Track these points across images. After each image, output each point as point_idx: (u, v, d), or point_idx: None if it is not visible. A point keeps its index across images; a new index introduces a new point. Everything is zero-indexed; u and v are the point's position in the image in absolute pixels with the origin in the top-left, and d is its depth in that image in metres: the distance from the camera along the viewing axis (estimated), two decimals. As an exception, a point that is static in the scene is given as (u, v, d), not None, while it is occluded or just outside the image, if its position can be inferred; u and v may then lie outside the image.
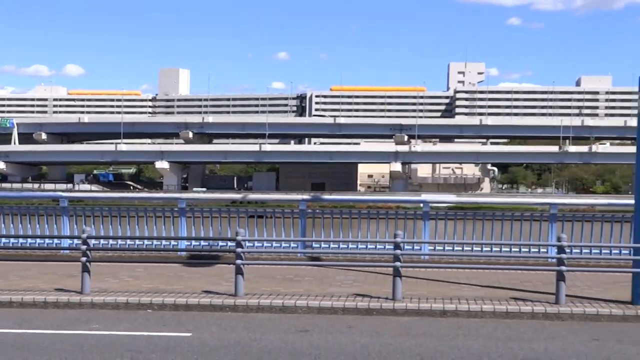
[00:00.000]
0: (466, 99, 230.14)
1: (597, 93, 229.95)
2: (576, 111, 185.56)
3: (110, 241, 18.68)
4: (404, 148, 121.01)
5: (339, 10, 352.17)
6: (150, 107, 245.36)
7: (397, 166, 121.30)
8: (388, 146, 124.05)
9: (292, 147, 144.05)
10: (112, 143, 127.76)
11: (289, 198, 23.15)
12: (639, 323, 12.77)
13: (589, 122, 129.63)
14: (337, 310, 13.26)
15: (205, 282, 15.42)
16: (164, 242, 19.24)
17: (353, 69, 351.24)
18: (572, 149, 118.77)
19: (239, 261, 14.03)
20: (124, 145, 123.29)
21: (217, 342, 11.10)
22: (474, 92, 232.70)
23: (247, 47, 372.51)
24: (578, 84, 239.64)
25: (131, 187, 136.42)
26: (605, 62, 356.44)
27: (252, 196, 30.24)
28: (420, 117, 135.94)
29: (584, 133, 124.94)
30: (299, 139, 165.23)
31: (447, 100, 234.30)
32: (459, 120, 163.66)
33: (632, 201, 14.33)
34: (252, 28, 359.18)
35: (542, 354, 10.59)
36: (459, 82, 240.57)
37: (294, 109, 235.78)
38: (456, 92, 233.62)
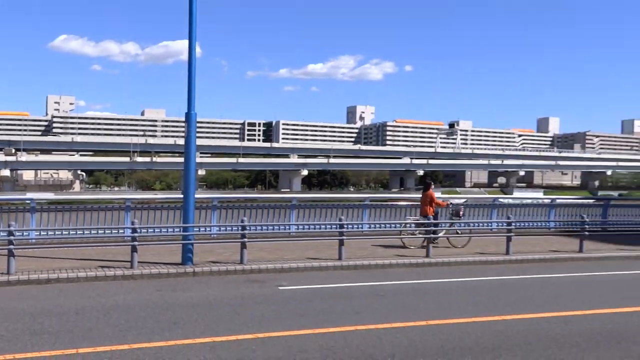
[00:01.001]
0: (61, 122, 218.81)
1: (156, 121, 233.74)
2: (142, 133, 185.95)
3: None
4: (12, 158, 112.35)
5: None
6: None
7: (6, 172, 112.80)
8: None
9: None
10: None
11: None
12: (187, 277, 13.30)
13: (151, 140, 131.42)
14: (-40, 285, 11.79)
15: None
16: None
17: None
18: (140, 159, 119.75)
19: None
20: None
21: None
22: (67, 117, 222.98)
23: None
24: (143, 113, 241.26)
25: None
26: (162, 98, 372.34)
27: None
28: (25, 135, 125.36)
29: (148, 148, 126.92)
30: None
31: (46, 123, 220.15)
32: (56, 138, 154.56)
33: (182, 195, 14.91)
34: None
35: (122, 303, 10.54)
36: (55, 109, 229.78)
37: None
38: (53, 117, 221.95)
